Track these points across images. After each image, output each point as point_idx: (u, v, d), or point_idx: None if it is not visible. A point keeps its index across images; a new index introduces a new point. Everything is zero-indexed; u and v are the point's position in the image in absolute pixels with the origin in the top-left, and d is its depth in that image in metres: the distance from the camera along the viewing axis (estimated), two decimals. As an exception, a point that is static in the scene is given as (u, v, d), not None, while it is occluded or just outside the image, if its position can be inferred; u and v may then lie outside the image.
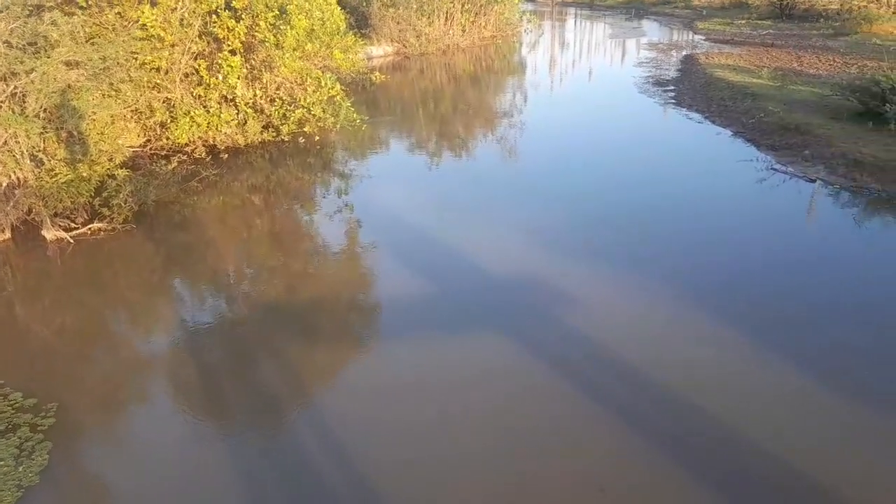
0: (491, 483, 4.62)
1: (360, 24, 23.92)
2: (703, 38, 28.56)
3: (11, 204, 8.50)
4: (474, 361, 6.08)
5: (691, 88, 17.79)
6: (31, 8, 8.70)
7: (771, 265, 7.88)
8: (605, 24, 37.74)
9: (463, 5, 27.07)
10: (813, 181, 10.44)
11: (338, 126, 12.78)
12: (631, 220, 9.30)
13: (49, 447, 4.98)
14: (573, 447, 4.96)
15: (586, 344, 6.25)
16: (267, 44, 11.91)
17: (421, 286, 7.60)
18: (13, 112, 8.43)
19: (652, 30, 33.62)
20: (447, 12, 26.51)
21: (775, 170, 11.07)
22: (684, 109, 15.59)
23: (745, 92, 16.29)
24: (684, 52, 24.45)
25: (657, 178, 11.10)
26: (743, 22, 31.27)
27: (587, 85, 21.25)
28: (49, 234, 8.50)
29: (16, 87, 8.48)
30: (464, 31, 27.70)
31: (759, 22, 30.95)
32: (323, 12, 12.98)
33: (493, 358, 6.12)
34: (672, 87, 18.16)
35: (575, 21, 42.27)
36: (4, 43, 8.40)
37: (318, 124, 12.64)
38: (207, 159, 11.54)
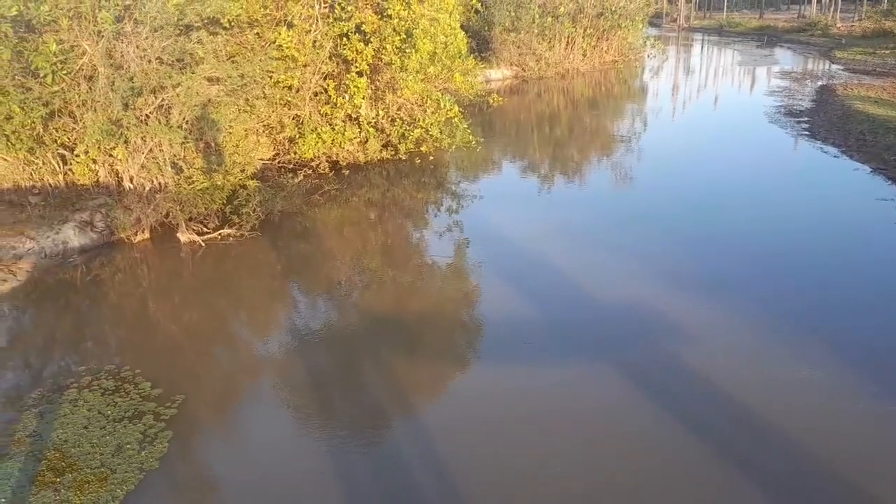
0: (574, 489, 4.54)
1: (481, 47, 24.31)
2: (842, 67, 26.91)
3: (152, 207, 9.22)
4: (573, 385, 5.98)
5: (827, 120, 16.76)
6: (181, 28, 9.45)
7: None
8: (734, 50, 36.33)
9: (585, 30, 26.92)
10: (964, 225, 9.55)
11: (453, 147, 13.00)
12: (754, 251, 8.85)
13: (170, 436, 5.31)
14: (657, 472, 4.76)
15: (686, 376, 5.98)
16: (393, 66, 12.33)
17: (525, 308, 7.56)
18: (159, 122, 9.16)
19: (785, 58, 32.04)
20: (569, 37, 26.44)
21: (919, 210, 10.22)
22: (819, 142, 14.70)
23: (887, 126, 15.16)
24: (820, 83, 23.12)
25: (787, 212, 10.50)
26: (887, 52, 29.18)
27: (712, 112, 20.51)
28: (183, 236, 9.15)
29: (163, 100, 9.22)
30: (584, 55, 27.52)
31: (907, 52, 28.80)
32: (447, 36, 13.30)
33: (592, 383, 5.98)
34: (806, 119, 17.19)
35: (702, 47, 41.00)
36: (157, 59, 9.17)
37: (435, 144, 12.92)
38: (330, 174, 12.05)
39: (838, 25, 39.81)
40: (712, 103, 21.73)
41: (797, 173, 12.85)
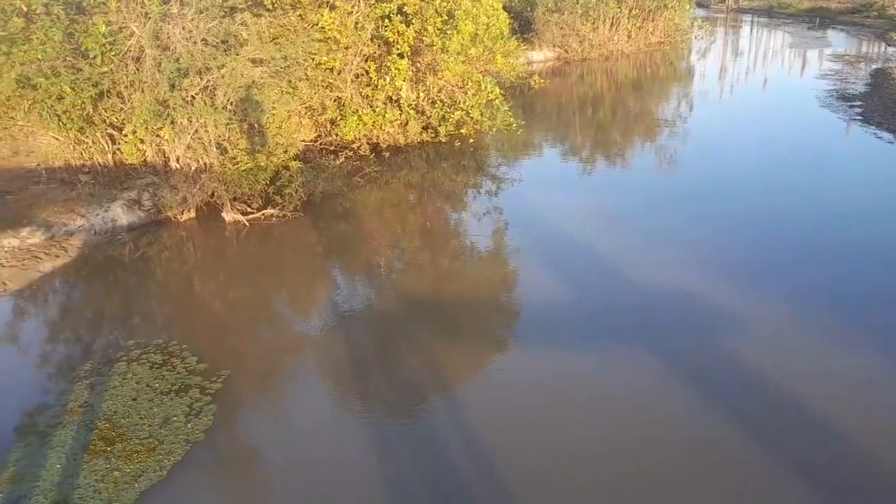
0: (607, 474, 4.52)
1: (523, 28, 23.99)
2: (899, 50, 25.93)
3: (198, 186, 9.39)
4: (611, 371, 5.96)
5: (882, 105, 16.18)
6: (225, 10, 9.54)
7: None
8: (784, 32, 35.20)
9: (630, 10, 26.35)
10: None
11: (494, 129, 12.92)
12: (799, 237, 8.66)
13: (214, 409, 5.46)
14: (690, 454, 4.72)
15: (725, 364, 5.89)
16: (434, 48, 12.27)
17: (563, 292, 7.53)
18: (205, 103, 9.30)
19: (838, 40, 30.93)
20: (613, 17, 25.94)
21: (979, 198, 9.83)
22: (872, 127, 14.21)
23: (947, 110, 14.58)
24: (875, 66, 22.29)
25: (836, 197, 10.21)
26: (949, 33, 27.98)
27: (761, 95, 19.95)
28: (228, 216, 9.31)
29: (209, 81, 9.34)
30: (629, 36, 26.94)
31: (970, 33, 27.55)
32: (489, 17, 13.16)
33: (629, 369, 5.94)
34: (859, 103, 16.62)
35: (751, 28, 39.82)
36: (202, 41, 9.28)
37: (475, 127, 12.84)
38: (370, 156, 12.09)
39: (896, 6, 38.25)
40: (761, 86, 21.13)
41: (849, 158, 12.46)
